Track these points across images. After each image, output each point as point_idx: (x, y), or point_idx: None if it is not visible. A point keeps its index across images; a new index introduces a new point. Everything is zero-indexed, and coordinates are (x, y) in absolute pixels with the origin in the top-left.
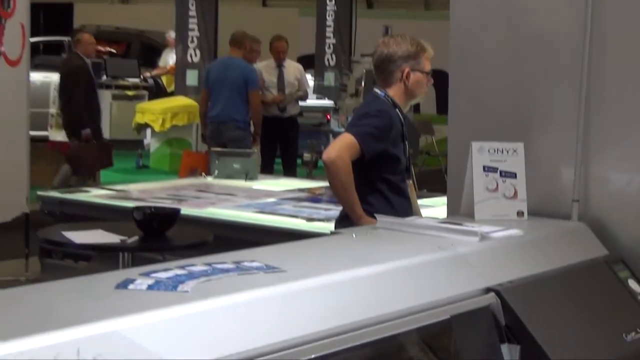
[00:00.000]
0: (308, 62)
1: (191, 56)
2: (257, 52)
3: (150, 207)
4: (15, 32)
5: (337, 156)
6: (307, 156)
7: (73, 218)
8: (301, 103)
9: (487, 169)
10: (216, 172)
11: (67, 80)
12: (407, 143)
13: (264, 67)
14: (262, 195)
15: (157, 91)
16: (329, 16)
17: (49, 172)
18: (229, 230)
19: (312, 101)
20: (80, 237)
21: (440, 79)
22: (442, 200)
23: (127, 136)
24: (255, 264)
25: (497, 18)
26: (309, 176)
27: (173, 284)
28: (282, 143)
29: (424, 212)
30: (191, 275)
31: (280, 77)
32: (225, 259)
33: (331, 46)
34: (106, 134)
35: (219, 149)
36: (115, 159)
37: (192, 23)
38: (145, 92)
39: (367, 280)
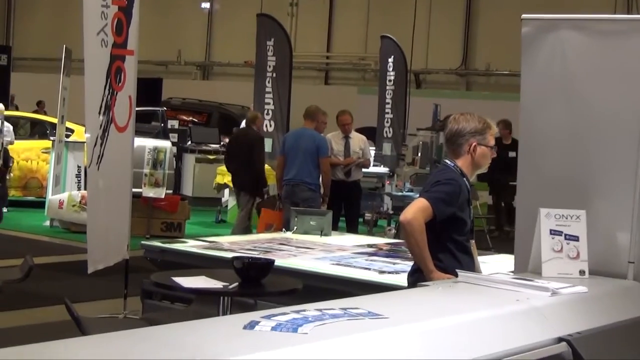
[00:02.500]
0: (365, 134)
1: (266, 126)
2: (324, 124)
3: (248, 258)
4: (124, 102)
5: (412, 217)
6: (368, 216)
7: (172, 265)
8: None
9: (553, 232)
10: (295, 227)
11: (250, 148)
12: (471, 208)
13: (333, 137)
14: (336, 249)
15: None
16: (387, 94)
17: (142, 223)
18: (311, 279)
19: (370, 168)
20: (187, 282)
21: None
22: (494, 257)
23: (208, 194)
24: (360, 311)
25: (561, 100)
26: (369, 233)
27: (293, 327)
28: (347, 203)
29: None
30: (307, 319)
31: (347, 146)
32: (333, 306)
33: (389, 120)
34: (189, 191)
35: (298, 208)
36: (197, 214)
37: (268, 98)
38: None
39: (456, 327)
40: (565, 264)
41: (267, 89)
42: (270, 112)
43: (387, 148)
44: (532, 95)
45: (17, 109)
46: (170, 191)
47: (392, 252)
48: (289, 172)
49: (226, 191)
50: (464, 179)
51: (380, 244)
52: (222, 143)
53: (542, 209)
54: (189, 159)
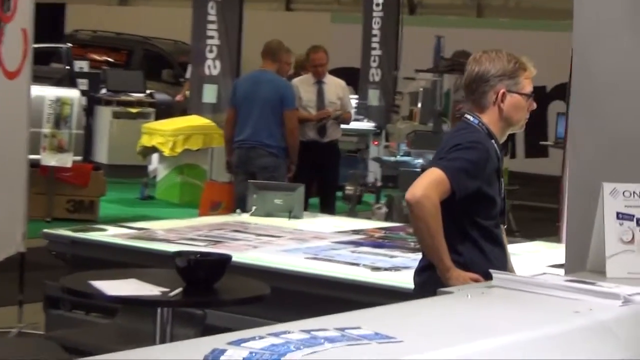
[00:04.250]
0: (342, 78)
1: (209, 68)
2: (288, 65)
3: (194, 253)
4: (16, 38)
5: (423, 195)
6: (349, 189)
7: (86, 261)
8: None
9: (621, 216)
10: (254, 208)
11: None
12: (502, 182)
13: (301, 82)
14: (310, 238)
15: (167, 109)
16: (374, 23)
17: (41, 202)
18: (280, 280)
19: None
20: (111, 287)
21: None
22: (524, 246)
23: (129, 161)
24: (363, 332)
25: (629, 32)
26: (352, 213)
27: (272, 357)
28: (320, 173)
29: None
30: (291, 346)
31: (320, 94)
32: (325, 325)
33: (376, 59)
34: (103, 157)
35: (256, 181)
36: (115, 189)
37: (211, 29)
38: (152, 110)
39: (495, 353)
40: (639, 260)
41: (210, 17)
42: (214, 49)
43: (373, 96)
44: (588, 25)
45: None
46: (80, 158)
47: (386, 241)
48: (242, 130)
49: (154, 157)
50: (492, 141)
51: (369, 229)
52: (147, 92)
53: (605, 184)
54: (104, 114)
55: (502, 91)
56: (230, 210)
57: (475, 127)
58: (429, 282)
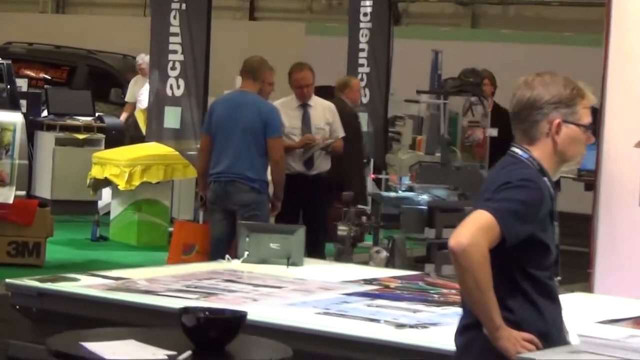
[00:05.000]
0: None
1: (172, 87)
2: (270, 86)
3: (203, 310)
4: None
5: (470, 242)
6: (342, 229)
7: (56, 317)
8: None
9: None
10: (246, 253)
11: None
12: (555, 225)
13: (283, 106)
14: (316, 288)
15: (118, 135)
16: (362, 37)
17: None
18: (293, 339)
19: None
20: (109, 350)
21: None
22: (570, 297)
23: (76, 196)
24: None
25: None
26: (342, 257)
27: None
28: (307, 210)
29: None
30: None
31: (306, 119)
32: None
33: (364, 77)
34: (46, 192)
35: (250, 222)
36: (61, 228)
37: (174, 41)
38: (101, 136)
39: None
40: None
41: (173, 28)
42: (178, 65)
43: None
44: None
45: None
46: (23, 193)
47: (405, 292)
48: (219, 161)
49: (106, 191)
50: (545, 178)
51: (381, 278)
52: (96, 115)
53: None
54: (45, 141)
55: (557, 121)
56: (205, 254)
57: (525, 163)
58: (475, 344)
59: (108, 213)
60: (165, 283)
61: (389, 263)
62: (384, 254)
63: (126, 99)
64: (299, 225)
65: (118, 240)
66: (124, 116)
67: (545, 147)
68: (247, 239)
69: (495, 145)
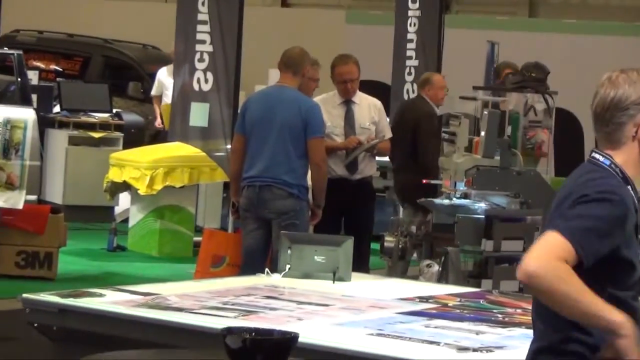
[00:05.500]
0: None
1: (199, 81)
2: (315, 82)
3: (249, 330)
4: None
5: (537, 268)
6: (389, 240)
7: (79, 336)
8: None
9: None
10: (287, 267)
11: (415, 130)
12: None
13: (324, 103)
14: (367, 307)
15: (138, 133)
16: (411, 26)
17: None
18: None
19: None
20: None
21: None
22: None
23: (91, 201)
24: None
25: None
26: (392, 271)
27: None
28: (350, 219)
29: None
30: None
31: (349, 119)
32: None
33: (412, 71)
34: (57, 196)
35: (293, 233)
36: (74, 237)
37: (202, 30)
38: (119, 135)
39: None
40: None
41: (201, 15)
42: (206, 57)
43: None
44: None
45: None
46: (34, 197)
47: (465, 312)
48: (254, 164)
49: (124, 196)
50: (629, 187)
51: (438, 295)
52: (114, 111)
53: None
54: (58, 139)
55: None
56: (236, 267)
57: (607, 170)
58: None
59: (126, 220)
60: (199, 299)
61: (441, 278)
62: (436, 267)
63: (153, 93)
64: (347, 236)
65: (137, 250)
66: (157, 112)
67: (630, 152)
68: (289, 251)
69: None
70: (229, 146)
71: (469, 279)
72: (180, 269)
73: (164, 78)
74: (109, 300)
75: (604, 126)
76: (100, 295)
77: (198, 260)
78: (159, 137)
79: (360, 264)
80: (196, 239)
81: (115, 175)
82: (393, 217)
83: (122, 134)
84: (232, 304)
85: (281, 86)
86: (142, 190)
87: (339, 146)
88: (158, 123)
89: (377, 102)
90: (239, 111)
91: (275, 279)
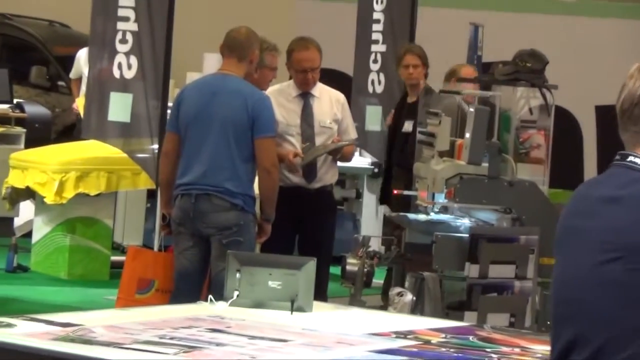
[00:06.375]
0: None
1: (120, 67)
2: (273, 71)
3: None
4: None
5: None
6: (352, 263)
7: None
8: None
9: None
10: (235, 294)
11: None
12: None
13: (276, 95)
14: (333, 344)
15: (43, 128)
16: (377, 3)
17: None
18: None
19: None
20: None
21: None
22: None
23: None
24: None
25: None
26: (354, 299)
27: None
28: (306, 236)
29: None
30: None
31: (307, 115)
32: None
33: (378, 58)
34: None
35: (241, 253)
36: None
37: (125, 6)
38: (21, 131)
39: None
40: None
41: None
42: (129, 37)
43: (372, 116)
44: None
45: None
46: None
47: (453, 351)
48: (190, 169)
49: (26, 205)
50: None
51: (417, 330)
52: (15, 101)
53: None
54: None
55: None
56: (167, 293)
57: None
58: None
59: (29, 235)
60: (130, 332)
61: (416, 309)
62: (409, 297)
63: (71, 75)
64: (308, 257)
65: (42, 271)
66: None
67: None
68: (238, 275)
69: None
70: (155, 146)
71: (449, 311)
72: (95, 295)
73: (85, 61)
74: (22, 332)
75: (632, 124)
76: (10, 325)
77: (121, 284)
78: (70, 133)
79: (318, 291)
80: (114, 258)
81: (16, 179)
82: (355, 234)
83: (25, 130)
84: (170, 338)
85: (223, 74)
86: (49, 198)
87: (295, 152)
88: (75, 107)
89: (341, 96)
90: (169, 104)
91: (221, 308)
